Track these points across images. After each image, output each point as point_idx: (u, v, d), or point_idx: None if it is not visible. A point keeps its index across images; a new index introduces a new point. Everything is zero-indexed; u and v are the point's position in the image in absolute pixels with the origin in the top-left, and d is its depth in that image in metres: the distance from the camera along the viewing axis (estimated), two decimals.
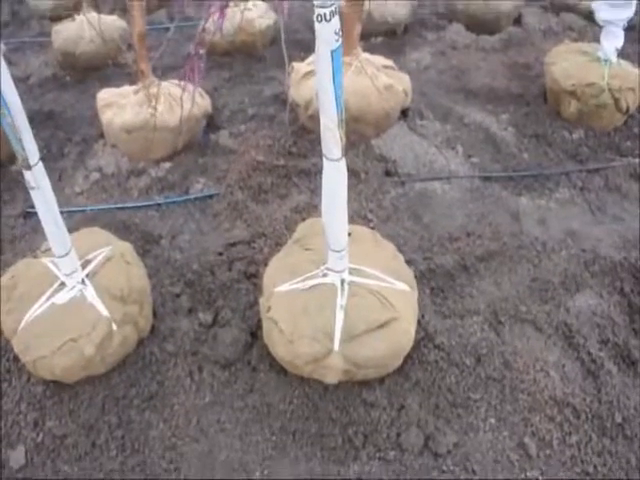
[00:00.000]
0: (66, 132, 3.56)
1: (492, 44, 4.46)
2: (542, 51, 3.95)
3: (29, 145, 1.70)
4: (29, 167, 1.73)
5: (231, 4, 3.95)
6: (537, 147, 3.21)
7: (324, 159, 1.64)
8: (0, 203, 2.96)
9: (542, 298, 2.28)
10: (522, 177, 2.97)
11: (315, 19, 1.41)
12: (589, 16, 3.39)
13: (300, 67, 3.21)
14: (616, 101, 3.18)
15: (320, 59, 1.46)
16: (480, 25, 4.58)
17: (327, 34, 1.42)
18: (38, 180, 1.76)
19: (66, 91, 4.14)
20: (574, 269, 2.40)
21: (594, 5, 3.21)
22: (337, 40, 1.44)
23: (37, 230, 2.59)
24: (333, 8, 1.40)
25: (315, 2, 1.38)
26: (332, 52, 1.44)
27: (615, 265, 2.41)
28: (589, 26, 4.36)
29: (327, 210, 1.73)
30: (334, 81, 1.48)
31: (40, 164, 1.75)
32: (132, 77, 3.33)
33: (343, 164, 1.64)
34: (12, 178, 3.11)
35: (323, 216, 1.76)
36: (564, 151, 3.17)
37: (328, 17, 1.39)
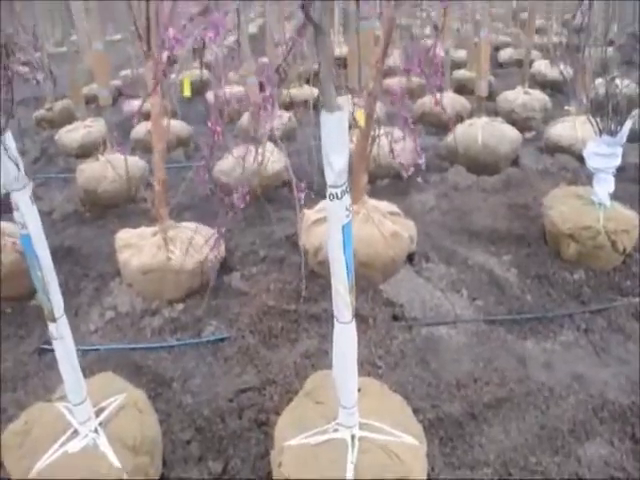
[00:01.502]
0: (83, 268, 3.68)
1: (492, 185, 4.68)
2: (540, 191, 4.14)
3: (55, 299, 1.78)
4: (54, 319, 1.80)
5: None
6: (540, 288, 3.28)
7: (335, 321, 1.72)
8: (14, 339, 3.02)
9: (552, 447, 2.26)
10: (526, 320, 3.02)
11: (328, 198, 1.54)
12: (582, 157, 3.60)
13: (309, 214, 3.35)
14: (613, 243, 3.29)
15: (332, 232, 1.58)
16: (480, 167, 4.85)
17: (339, 211, 1.55)
18: (61, 331, 1.84)
19: (85, 227, 4.33)
20: (583, 416, 2.38)
21: (585, 154, 3.42)
22: (347, 216, 1.57)
23: (51, 367, 2.62)
24: (344, 187, 1.54)
25: (328, 183, 1.53)
26: (343, 226, 1.57)
27: (624, 410, 2.40)
28: (582, 167, 4.54)
29: (338, 369, 1.79)
30: (345, 252, 1.59)
31: (64, 317, 1.83)
32: (150, 215, 3.48)
33: (353, 327, 1.71)
34: (29, 313, 3.19)
35: (334, 374, 1.81)
36: (566, 292, 3.23)
37: (340, 196, 1.53)
